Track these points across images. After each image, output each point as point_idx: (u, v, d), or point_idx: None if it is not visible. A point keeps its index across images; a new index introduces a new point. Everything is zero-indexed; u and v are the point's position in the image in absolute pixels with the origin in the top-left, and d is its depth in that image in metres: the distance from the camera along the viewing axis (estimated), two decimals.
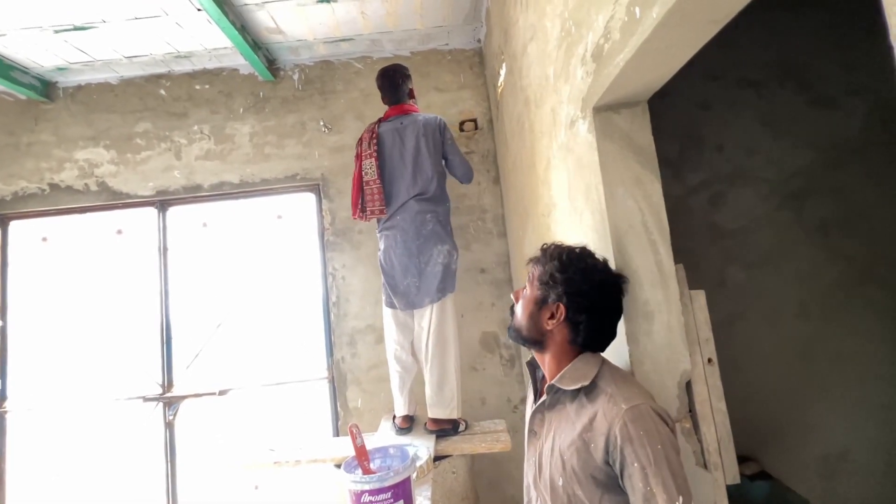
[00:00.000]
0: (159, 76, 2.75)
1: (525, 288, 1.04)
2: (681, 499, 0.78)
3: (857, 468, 1.60)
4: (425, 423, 2.04)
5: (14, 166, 2.66)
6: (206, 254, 2.73)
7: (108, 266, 2.70)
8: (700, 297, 1.10)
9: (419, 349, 2.04)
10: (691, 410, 1.06)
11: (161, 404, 2.53)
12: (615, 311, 1.00)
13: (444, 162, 2.13)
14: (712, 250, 1.78)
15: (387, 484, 1.14)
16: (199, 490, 2.53)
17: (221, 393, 2.58)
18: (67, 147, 2.69)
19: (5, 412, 2.51)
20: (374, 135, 2.06)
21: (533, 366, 1.11)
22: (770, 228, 1.78)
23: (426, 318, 1.99)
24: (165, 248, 2.66)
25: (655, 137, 1.12)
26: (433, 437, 1.95)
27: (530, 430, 1.03)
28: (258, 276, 2.74)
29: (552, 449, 0.93)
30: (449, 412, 1.95)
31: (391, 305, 2.06)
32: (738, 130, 1.83)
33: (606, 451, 0.84)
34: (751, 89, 1.84)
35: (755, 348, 1.70)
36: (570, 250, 1.00)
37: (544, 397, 0.99)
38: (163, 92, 2.75)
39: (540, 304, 0.98)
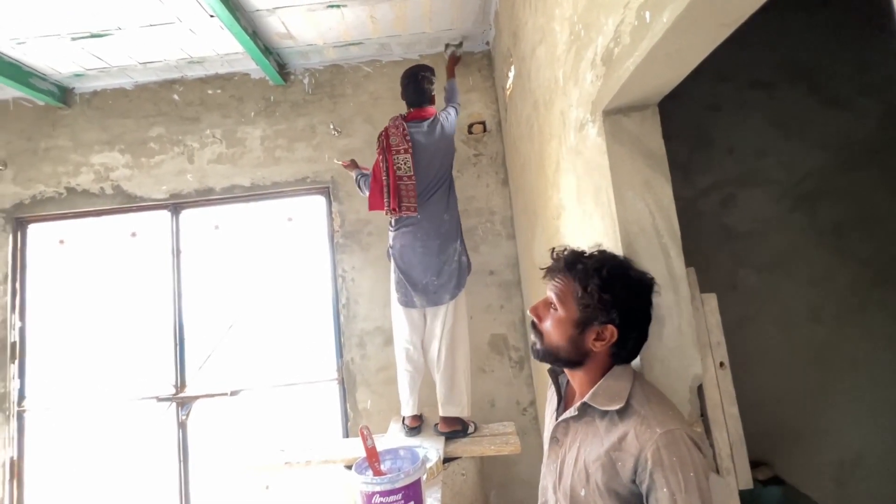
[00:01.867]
0: (173, 81, 2.80)
1: (553, 305, 0.94)
2: None
3: (871, 473, 1.58)
4: (435, 425, 2.05)
5: (32, 171, 2.72)
6: (218, 256, 2.76)
7: (123, 268, 2.74)
8: (711, 300, 1.10)
9: (428, 348, 2.06)
10: (703, 415, 1.06)
11: (174, 404, 2.56)
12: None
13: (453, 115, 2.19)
14: (723, 253, 1.77)
15: (398, 485, 1.15)
16: (211, 489, 2.56)
17: (233, 393, 2.61)
18: (83, 152, 2.75)
19: (24, 411, 2.56)
20: (406, 131, 2.02)
21: (556, 372, 1.08)
22: (782, 231, 1.76)
23: (440, 316, 2.01)
24: (178, 251, 2.70)
25: (665, 139, 1.12)
26: (443, 438, 1.96)
27: (553, 438, 1.00)
28: (269, 278, 2.77)
29: (576, 460, 0.92)
30: (460, 410, 1.97)
31: (408, 304, 2.06)
32: (749, 132, 1.82)
33: (635, 472, 0.82)
34: (762, 90, 1.82)
35: (767, 352, 1.68)
36: (610, 264, 0.93)
37: (573, 411, 0.95)
38: (176, 97, 2.80)
39: (582, 326, 0.90)
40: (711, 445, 1.03)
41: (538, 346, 0.97)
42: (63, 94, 2.75)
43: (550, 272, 0.98)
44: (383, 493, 1.14)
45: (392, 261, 2.10)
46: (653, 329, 1.05)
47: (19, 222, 2.71)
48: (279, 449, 2.19)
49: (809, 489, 1.52)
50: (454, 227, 2.08)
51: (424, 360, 2.09)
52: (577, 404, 0.95)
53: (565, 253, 0.99)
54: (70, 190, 2.72)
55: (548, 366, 1.07)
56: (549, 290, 0.97)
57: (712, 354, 1.07)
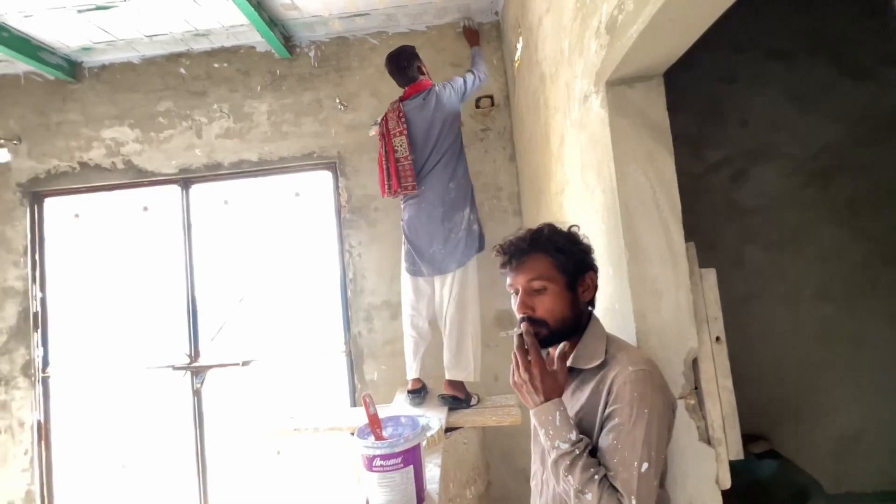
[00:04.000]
0: (179, 55, 2.79)
1: (538, 288, 0.95)
2: (645, 465, 0.80)
3: (869, 451, 1.58)
4: (439, 395, 2.10)
5: (46, 145, 2.77)
6: (228, 230, 2.81)
7: (137, 241, 2.81)
8: (710, 275, 1.09)
9: (439, 314, 2.10)
10: (697, 387, 1.07)
11: (189, 373, 2.66)
12: None
13: (464, 97, 2.17)
14: (731, 229, 1.74)
15: (397, 450, 1.19)
16: (225, 454, 2.68)
17: (245, 364, 2.69)
18: (94, 126, 2.78)
19: (48, 377, 2.69)
20: (402, 113, 2.09)
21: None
22: (793, 207, 1.72)
23: (448, 284, 2.05)
24: (189, 225, 2.75)
25: (675, 112, 1.10)
26: (445, 409, 2.01)
27: None
28: (278, 252, 2.81)
29: None
30: (466, 374, 2.02)
31: (415, 273, 2.12)
32: (764, 104, 1.75)
33: (605, 405, 0.87)
34: (779, 61, 1.75)
35: (772, 328, 1.67)
36: (552, 227, 1.01)
37: None
38: (183, 71, 2.79)
39: (572, 286, 0.96)
40: (704, 417, 1.05)
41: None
42: (72, 68, 2.76)
43: (515, 261, 0.97)
44: (384, 457, 1.19)
45: (403, 232, 2.13)
46: (650, 302, 1.06)
47: (36, 196, 2.78)
48: (289, 416, 2.28)
49: (806, 464, 1.54)
50: (462, 195, 2.09)
51: (429, 328, 2.14)
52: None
53: (517, 239, 0.99)
54: (83, 164, 2.76)
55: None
56: (524, 279, 0.96)
57: (709, 329, 1.07)
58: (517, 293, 0.98)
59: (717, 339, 1.06)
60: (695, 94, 1.75)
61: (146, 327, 2.76)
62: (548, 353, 1.06)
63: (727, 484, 1.03)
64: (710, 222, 1.74)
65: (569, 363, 0.97)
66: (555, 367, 0.92)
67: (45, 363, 2.69)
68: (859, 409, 1.60)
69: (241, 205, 2.81)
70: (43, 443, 2.62)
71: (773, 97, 1.76)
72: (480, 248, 2.15)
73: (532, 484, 1.07)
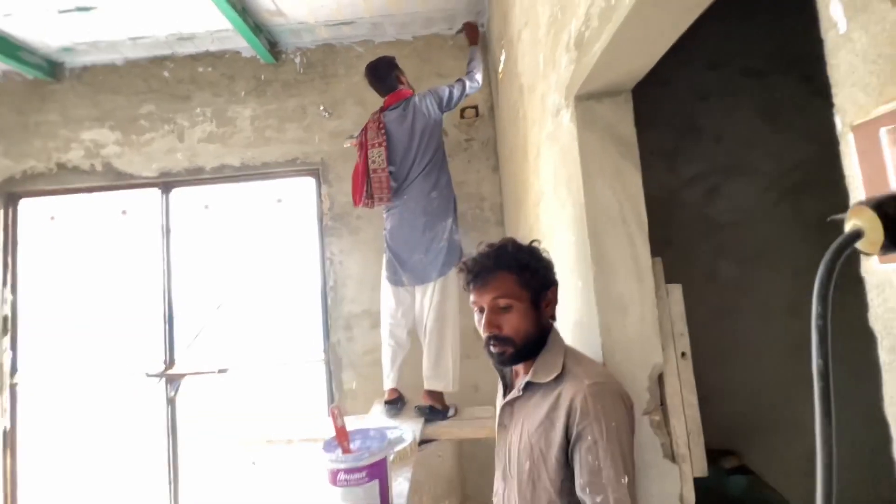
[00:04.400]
0: (163, 58, 2.77)
1: (504, 306, 0.95)
2: (626, 478, 0.80)
3: (840, 467, 1.59)
4: (416, 406, 2.07)
5: (23, 145, 2.72)
6: (208, 236, 2.77)
7: (114, 245, 2.76)
8: (676, 290, 1.09)
9: (419, 324, 2.08)
10: (662, 403, 1.06)
11: (163, 381, 2.60)
12: None
13: (449, 106, 2.12)
14: (704, 244, 1.76)
15: (361, 464, 1.17)
16: (198, 463, 2.62)
17: (221, 371, 2.64)
18: (73, 127, 2.74)
19: (16, 384, 2.61)
20: (382, 124, 2.09)
21: (502, 367, 1.11)
22: (766, 223, 1.75)
23: (428, 294, 2.03)
24: (168, 230, 2.71)
25: (651, 127, 1.11)
26: (421, 420, 1.98)
27: (500, 425, 1.05)
28: (258, 258, 2.78)
29: (521, 436, 0.94)
30: (444, 385, 2.00)
31: (396, 282, 2.11)
32: (738, 121, 1.78)
33: (567, 426, 0.86)
34: (753, 78, 1.78)
35: (744, 344, 1.68)
36: (515, 243, 1.02)
37: (516, 392, 1.00)
38: (166, 74, 2.77)
39: (537, 302, 0.97)
40: (669, 433, 1.04)
41: (511, 350, 0.96)
42: (52, 68, 2.72)
43: (480, 279, 0.97)
44: (348, 471, 1.16)
45: (385, 241, 2.13)
46: (615, 317, 1.06)
47: (11, 197, 2.72)
48: (263, 427, 2.24)
49: (777, 479, 1.53)
50: (443, 205, 2.08)
51: (408, 337, 2.12)
52: (521, 384, 0.98)
53: (481, 257, 0.99)
54: (60, 166, 2.72)
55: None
56: (489, 297, 0.96)
57: (674, 344, 1.07)
58: (482, 311, 0.98)
59: (683, 354, 1.06)
60: (671, 109, 1.77)
61: (121, 333, 2.71)
62: (511, 371, 1.06)
63: (691, 501, 1.02)
64: (684, 236, 1.76)
65: (528, 378, 0.96)
66: None
67: (14, 369, 2.62)
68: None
69: (222, 210, 2.78)
70: (8, 451, 2.54)
71: (746, 114, 1.79)
72: (459, 260, 2.15)
73: (494, 501, 1.06)
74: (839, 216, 0.34)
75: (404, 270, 2.08)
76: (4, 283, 2.63)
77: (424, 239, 2.03)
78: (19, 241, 2.71)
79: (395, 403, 2.07)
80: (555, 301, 1.02)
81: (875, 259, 0.36)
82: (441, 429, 1.96)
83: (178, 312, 2.68)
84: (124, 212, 2.77)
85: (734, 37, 1.68)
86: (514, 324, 0.95)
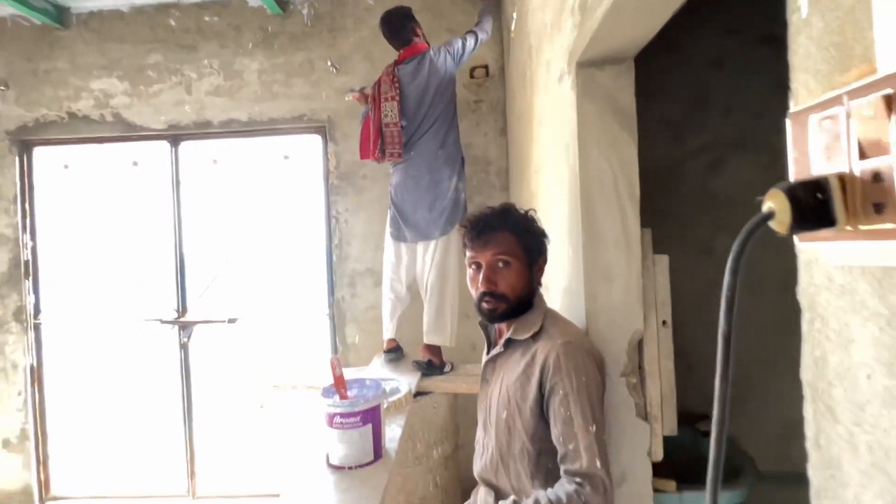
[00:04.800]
0: (169, 5, 2.71)
1: (502, 262, 1.00)
2: (594, 427, 0.88)
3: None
4: (413, 360, 2.17)
5: (34, 93, 2.74)
6: (217, 190, 2.83)
7: (126, 195, 2.83)
8: (662, 262, 1.12)
9: (420, 281, 2.14)
10: (640, 367, 1.12)
11: (176, 327, 2.74)
12: None
13: (462, 59, 2.10)
14: (704, 217, 1.76)
15: (356, 409, 1.26)
16: (211, 406, 2.81)
17: (231, 321, 2.77)
18: (83, 76, 2.74)
19: (40, 324, 2.77)
20: (395, 78, 2.06)
21: (485, 326, 1.19)
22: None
23: (430, 251, 2.08)
24: (178, 182, 2.75)
25: (660, 96, 1.11)
26: (418, 374, 2.09)
27: (483, 380, 1.13)
28: (265, 213, 2.84)
29: (500, 389, 1.02)
30: (443, 339, 2.08)
31: (399, 238, 2.15)
32: (750, 92, 1.73)
33: (540, 381, 0.94)
34: (771, 47, 1.71)
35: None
36: (517, 209, 1.07)
37: (499, 348, 1.07)
38: (172, 22, 2.73)
39: (531, 265, 1.04)
40: (644, 395, 1.10)
41: (504, 306, 1.02)
42: (59, 13, 2.69)
43: (484, 236, 1.02)
44: (343, 415, 1.26)
45: (390, 196, 2.16)
46: (601, 285, 1.10)
47: (25, 145, 2.77)
48: (271, 374, 2.38)
49: (752, 445, 1.61)
50: (450, 163, 2.08)
51: (407, 293, 2.19)
52: (502, 341, 1.06)
53: (485, 215, 1.04)
54: (71, 115, 2.74)
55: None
56: (490, 253, 1.01)
57: (657, 313, 1.11)
58: (478, 268, 1.03)
59: (664, 323, 1.11)
60: (680, 78, 1.72)
61: (135, 279, 2.83)
62: (495, 330, 1.12)
63: (659, 457, 1.10)
64: (684, 209, 1.76)
65: (509, 334, 1.03)
66: None
67: (37, 310, 2.76)
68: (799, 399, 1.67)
69: (230, 165, 2.82)
70: (36, 385, 2.73)
71: (759, 84, 1.73)
72: (462, 219, 2.17)
73: (476, 448, 1.15)
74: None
75: (407, 227, 2.11)
76: (24, 229, 2.73)
77: (429, 196, 2.05)
78: (36, 188, 2.78)
79: (394, 352, 2.17)
80: (543, 269, 1.08)
81: (801, 239, 0.39)
82: (437, 382, 2.06)
83: (190, 263, 2.77)
84: (135, 163, 2.82)
85: (755, 2, 1.60)
86: (511, 281, 1.01)
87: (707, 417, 1.64)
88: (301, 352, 2.83)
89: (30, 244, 2.75)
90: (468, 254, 1.05)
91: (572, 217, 1.16)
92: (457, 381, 2.09)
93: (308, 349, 2.83)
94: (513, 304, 1.02)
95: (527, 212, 1.08)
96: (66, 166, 2.83)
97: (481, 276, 1.02)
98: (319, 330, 2.79)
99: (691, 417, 1.67)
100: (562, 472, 0.90)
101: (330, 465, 1.30)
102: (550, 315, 1.05)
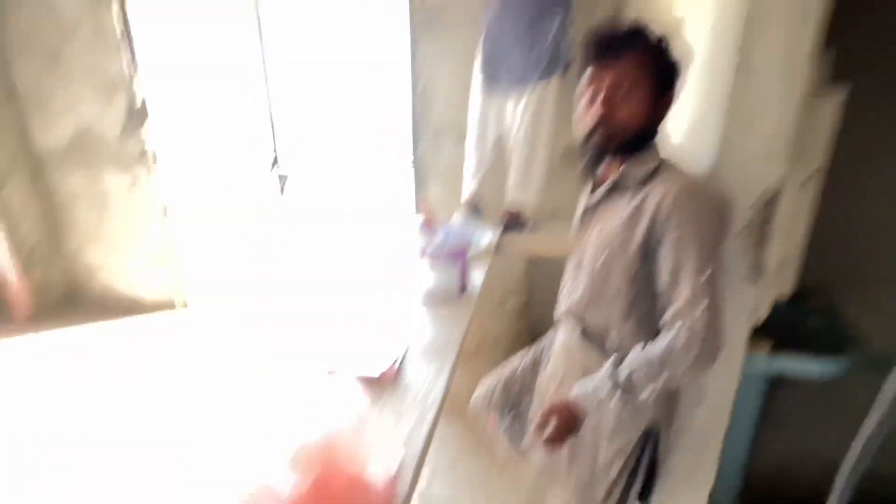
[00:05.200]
0: None
1: (624, 86, 0.87)
2: (710, 270, 0.81)
3: None
4: (501, 214, 2.14)
5: None
6: (300, 27, 2.72)
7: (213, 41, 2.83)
8: (835, 98, 0.89)
9: (507, 135, 2.02)
10: (768, 223, 0.99)
11: (274, 175, 2.93)
12: None
13: None
14: None
15: (446, 249, 1.31)
16: (301, 233, 3.11)
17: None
18: None
19: (162, 166, 3.10)
20: None
21: (589, 168, 1.07)
22: None
23: (523, 102, 1.91)
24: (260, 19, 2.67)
25: None
26: (500, 229, 2.09)
27: (582, 221, 1.07)
28: (349, 52, 2.73)
29: (600, 232, 0.97)
30: (528, 196, 2.02)
31: (489, 88, 1.98)
32: None
33: (650, 225, 0.87)
34: None
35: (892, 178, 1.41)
36: (650, 29, 0.88)
37: (601, 192, 0.99)
38: None
39: (654, 98, 0.89)
40: (762, 254, 0.99)
41: (617, 140, 0.91)
42: None
43: (610, 53, 0.88)
44: (434, 253, 1.32)
45: (482, 36, 1.94)
46: (744, 125, 0.92)
47: None
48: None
49: (866, 326, 1.47)
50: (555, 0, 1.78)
51: (493, 150, 2.08)
52: (606, 185, 0.97)
53: (615, 31, 0.88)
54: None
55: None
56: (614, 74, 0.87)
57: (807, 163, 0.93)
58: (594, 95, 0.90)
59: (812, 176, 0.93)
60: None
61: (236, 121, 2.98)
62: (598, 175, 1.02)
63: (764, 315, 1.04)
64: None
65: (615, 177, 0.94)
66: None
67: (156, 155, 3.07)
68: None
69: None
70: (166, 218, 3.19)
71: None
72: (565, 69, 1.90)
73: (562, 288, 1.15)
74: None
75: (500, 72, 1.92)
76: (135, 71, 2.88)
77: (528, 35, 1.80)
78: (139, 29, 2.84)
79: (475, 209, 2.17)
80: (668, 108, 0.92)
81: None
82: (517, 240, 2.06)
83: (278, 110, 2.83)
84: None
85: None
86: (632, 110, 0.89)
87: (818, 291, 1.49)
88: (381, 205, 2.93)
89: (142, 86, 2.92)
90: (586, 78, 0.91)
91: (720, 38, 0.93)
92: (538, 241, 2.08)
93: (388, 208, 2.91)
94: (629, 136, 0.90)
95: (662, 36, 0.89)
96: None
97: (600, 99, 0.89)
98: (402, 184, 2.82)
99: (801, 290, 1.53)
100: (664, 321, 0.87)
101: (420, 297, 1.41)
102: (667, 161, 0.92)
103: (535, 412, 1.22)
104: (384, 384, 0.99)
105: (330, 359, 1.06)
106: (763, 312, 1.02)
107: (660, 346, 0.85)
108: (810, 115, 0.89)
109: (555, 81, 1.87)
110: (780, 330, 1.15)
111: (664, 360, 0.84)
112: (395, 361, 1.08)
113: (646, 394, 0.86)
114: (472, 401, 1.38)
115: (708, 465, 1.18)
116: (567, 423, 0.92)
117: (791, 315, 1.23)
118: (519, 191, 2.02)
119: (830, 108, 0.89)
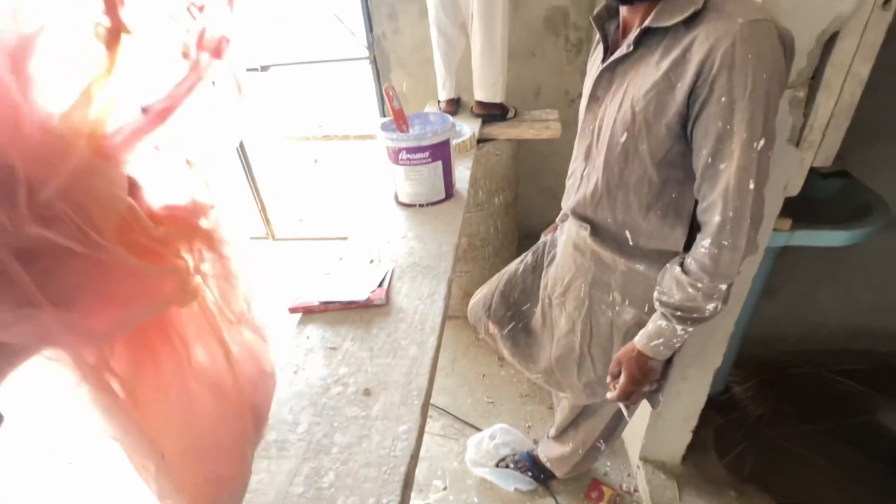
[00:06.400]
0: None
1: None
2: (763, 141, 0.65)
3: None
4: (471, 108, 1.92)
5: None
6: None
7: None
8: None
9: (466, 18, 1.70)
10: (814, 77, 0.81)
11: None
12: None
13: None
14: None
15: (424, 143, 1.09)
16: (265, 160, 2.80)
17: (263, 69, 2.47)
18: None
19: None
20: None
21: (603, 18, 0.83)
22: None
23: None
24: None
25: None
26: (479, 120, 1.86)
27: (592, 97, 0.85)
28: None
29: (620, 104, 0.76)
30: (493, 94, 1.79)
31: None
32: None
33: (694, 84, 0.67)
34: None
35: None
36: None
37: (625, 48, 0.76)
38: None
39: None
40: (808, 114, 0.83)
41: None
42: None
43: None
44: (410, 150, 1.10)
45: None
46: None
47: None
48: (317, 124, 2.21)
49: (881, 184, 1.38)
50: None
51: (460, 32, 1.77)
52: (634, 34, 0.73)
53: None
54: None
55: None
56: None
57: None
58: None
59: (888, 1, 0.72)
60: None
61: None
62: (618, 25, 0.78)
63: (796, 191, 0.91)
64: None
65: (648, 22, 0.71)
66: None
67: None
68: None
69: None
70: None
71: None
72: None
73: (567, 183, 0.99)
74: None
75: None
76: None
77: None
78: None
79: (454, 112, 1.92)
80: None
81: None
82: (500, 129, 1.84)
83: None
84: None
85: None
86: None
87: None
88: (346, 103, 2.59)
89: None
90: None
91: None
92: (521, 127, 1.86)
93: (352, 100, 2.58)
94: None
95: None
96: None
97: None
98: (362, 78, 2.46)
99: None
100: (703, 207, 0.72)
101: (399, 203, 1.23)
102: None
103: (538, 318, 1.14)
104: (374, 308, 0.86)
105: (315, 289, 0.91)
106: (797, 186, 0.88)
107: (704, 253, 0.72)
108: None
109: None
110: (792, 198, 1.03)
111: (716, 268, 0.71)
112: (382, 281, 0.94)
113: (710, 308, 0.75)
114: (469, 308, 1.29)
115: (718, 347, 1.15)
116: (635, 375, 0.85)
117: (805, 184, 1.10)
118: (480, 89, 1.76)
119: None
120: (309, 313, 0.88)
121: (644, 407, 1.25)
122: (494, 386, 1.87)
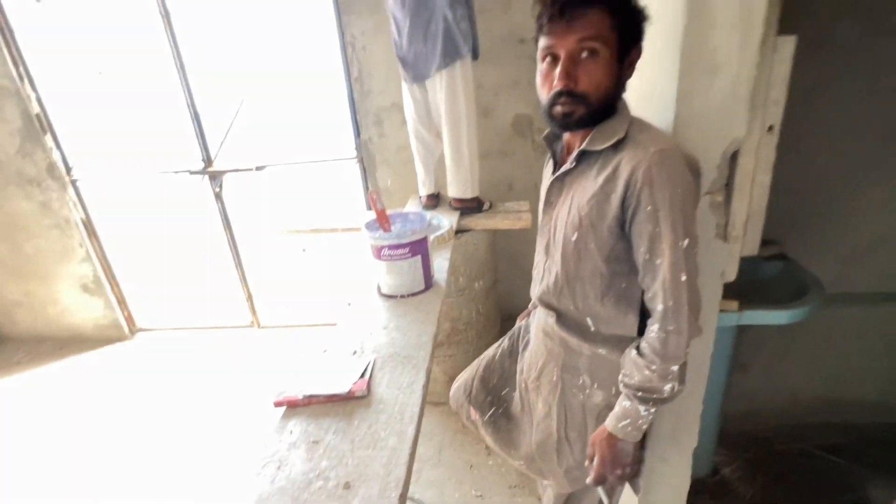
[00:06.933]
0: None
1: (588, 51, 0.78)
2: (686, 241, 0.78)
3: (881, 258, 1.58)
4: (450, 202, 2.09)
5: None
6: (213, 20, 2.44)
7: (111, 32, 2.50)
8: (787, 46, 0.87)
9: (439, 125, 1.94)
10: (729, 182, 0.97)
11: (206, 178, 2.69)
12: None
13: None
14: None
15: (404, 241, 1.21)
16: (256, 252, 2.93)
17: (258, 169, 2.69)
18: None
19: (76, 180, 2.76)
20: None
21: (551, 139, 1.01)
22: None
23: (437, 91, 1.81)
24: (167, 12, 2.37)
25: None
26: (457, 213, 2.02)
27: (547, 203, 1.00)
28: (273, 44, 2.49)
29: (569, 210, 0.90)
30: (463, 191, 1.97)
31: (405, 77, 1.90)
32: None
33: (624, 196, 0.81)
34: None
35: (829, 125, 1.47)
36: None
37: (569, 164, 0.91)
38: None
39: (622, 57, 0.81)
40: (728, 214, 0.97)
41: (582, 111, 0.82)
42: None
43: (568, 12, 0.76)
44: (391, 247, 1.22)
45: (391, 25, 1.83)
46: (701, 81, 0.87)
47: None
48: (308, 218, 2.37)
49: (814, 266, 1.53)
50: None
51: (435, 137, 2.00)
52: (574, 154, 0.89)
53: None
54: None
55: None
56: (575, 38, 0.77)
57: (763, 116, 0.90)
58: (554, 61, 0.81)
59: (770, 128, 0.91)
60: None
61: (152, 131, 2.69)
62: (562, 145, 0.95)
63: (732, 277, 1.02)
64: None
65: (583, 146, 0.87)
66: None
67: (68, 167, 2.73)
68: (886, 216, 1.53)
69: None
70: (92, 237, 2.87)
71: None
72: (474, 54, 1.77)
73: (534, 273, 1.10)
74: None
75: (404, 65, 1.82)
76: (21, 80, 2.51)
77: (419, 22, 1.66)
78: (14, 30, 2.46)
79: (434, 206, 2.10)
80: (634, 66, 0.85)
81: None
82: (476, 220, 2.01)
83: (203, 108, 2.57)
84: None
85: None
86: (596, 77, 0.79)
87: (771, 242, 1.54)
88: (334, 199, 2.79)
89: (32, 95, 2.56)
90: (542, 42, 0.81)
91: None
92: (496, 218, 2.03)
93: (340, 196, 2.78)
94: (594, 106, 0.82)
95: None
96: None
97: (558, 69, 0.79)
98: (349, 177, 2.68)
99: None
100: (647, 299, 0.84)
101: (382, 295, 1.32)
102: (637, 122, 0.86)
103: (517, 402, 1.18)
104: (356, 400, 0.90)
105: (298, 382, 0.95)
106: (732, 273, 1.00)
107: (654, 337, 0.82)
108: (765, 65, 0.86)
109: (460, 66, 1.75)
110: (740, 282, 1.15)
111: (664, 350, 0.80)
112: (364, 372, 0.99)
113: (668, 388, 0.82)
114: (451, 395, 1.32)
115: (691, 426, 1.19)
116: (606, 457, 0.90)
117: (747, 266, 1.23)
118: (453, 188, 1.96)
119: (783, 56, 0.87)
120: (293, 407, 0.91)
121: (630, 494, 1.25)
122: (482, 476, 1.82)
